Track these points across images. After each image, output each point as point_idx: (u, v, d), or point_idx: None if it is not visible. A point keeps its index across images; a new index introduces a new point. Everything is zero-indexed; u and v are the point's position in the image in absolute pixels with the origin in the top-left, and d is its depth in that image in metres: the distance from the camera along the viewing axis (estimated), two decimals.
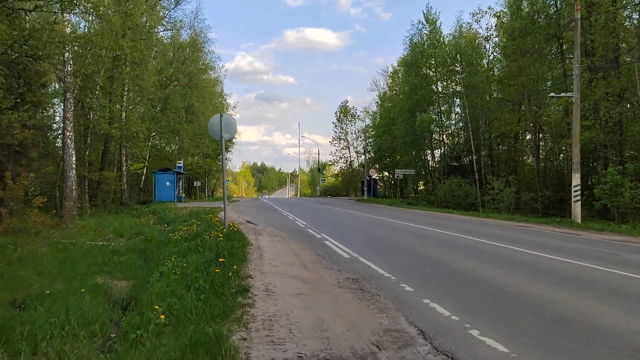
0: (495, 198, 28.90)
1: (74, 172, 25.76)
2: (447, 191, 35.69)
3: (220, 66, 73.88)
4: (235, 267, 7.80)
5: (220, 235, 10.99)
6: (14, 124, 15.52)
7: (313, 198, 67.37)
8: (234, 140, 67.84)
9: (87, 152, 29.15)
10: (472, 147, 40.44)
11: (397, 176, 45.08)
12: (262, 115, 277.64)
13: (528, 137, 44.03)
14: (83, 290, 7.34)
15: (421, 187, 54.82)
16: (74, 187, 25.75)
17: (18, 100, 16.18)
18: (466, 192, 35.25)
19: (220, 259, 7.75)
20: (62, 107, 23.88)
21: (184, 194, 58.99)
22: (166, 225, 23.50)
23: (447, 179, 44.40)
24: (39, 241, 14.62)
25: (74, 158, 25.86)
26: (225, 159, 64.39)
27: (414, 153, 52.51)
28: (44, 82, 17.43)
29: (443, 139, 48.15)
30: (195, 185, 54.99)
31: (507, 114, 39.14)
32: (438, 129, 46.77)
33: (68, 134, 22.77)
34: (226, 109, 65.32)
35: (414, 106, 46.02)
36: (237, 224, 17.81)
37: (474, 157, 40.39)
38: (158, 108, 36.71)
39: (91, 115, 28.85)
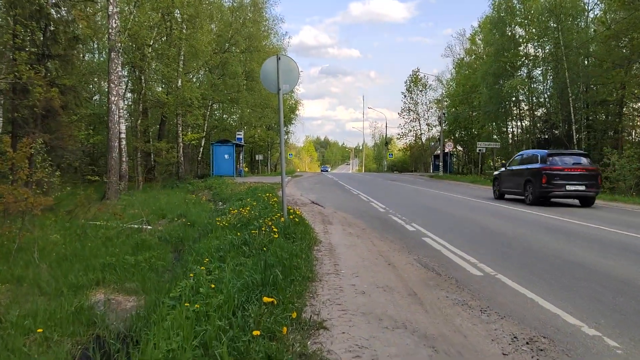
0: (609, 176, 23.78)
1: (119, 142, 23.37)
2: None
3: (284, 33, 70.40)
4: (294, 301, 4.23)
5: (275, 230, 7.43)
6: (36, 82, 12.75)
7: (379, 174, 63.17)
8: (297, 113, 64.79)
9: (138, 121, 26.73)
10: (572, 116, 34.67)
11: (479, 150, 39.97)
12: (326, 89, 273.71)
13: (635, 105, 37.63)
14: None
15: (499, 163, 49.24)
16: (124, 159, 23.43)
17: (39, 54, 13.35)
18: None
19: (266, 298, 4.10)
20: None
21: (244, 168, 56.91)
22: (221, 204, 20.72)
23: None
24: (56, 222, 11.87)
25: (122, 127, 23.45)
26: (287, 132, 61.58)
27: (497, 124, 46.97)
28: (75, 34, 14.47)
29: (533, 106, 42.24)
30: (257, 158, 52.45)
31: (611, 77, 32.89)
32: (529, 96, 40.92)
33: (113, 98, 20.13)
34: None
35: (500, 70, 40.47)
36: (299, 206, 14.32)
37: (574, 128, 34.62)
38: (216, 73, 33.83)
39: (143, 80, 26.29)
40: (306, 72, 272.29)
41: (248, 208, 13.38)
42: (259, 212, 11.77)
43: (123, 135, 23.35)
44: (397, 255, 7.09)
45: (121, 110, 23.44)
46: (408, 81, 71.40)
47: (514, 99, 42.39)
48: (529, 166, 15.60)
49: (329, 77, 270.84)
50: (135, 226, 12.58)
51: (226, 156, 32.79)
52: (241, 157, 40.68)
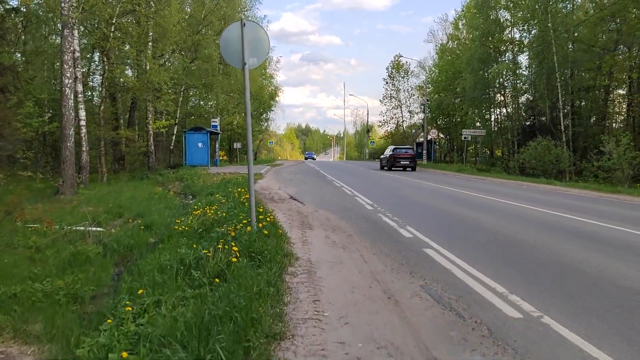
0: (602, 165, 22.55)
1: (79, 130, 21.22)
2: (533, 155, 29.15)
3: (262, 16, 67.74)
4: None
5: (236, 249, 5.62)
6: None
7: (361, 162, 61.65)
8: (277, 99, 62.57)
9: (101, 107, 24.49)
10: (560, 102, 33.42)
11: (465, 138, 38.56)
12: (307, 76, 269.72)
13: (620, 91, 36.69)
14: None
15: (483, 150, 48.08)
16: (84, 149, 21.32)
17: None
18: (557, 156, 28.66)
19: None
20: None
21: (222, 157, 54.68)
22: (190, 197, 18.92)
23: (522, 140, 37.78)
24: None
25: (81, 113, 21.32)
26: (267, 119, 59.23)
27: (480, 111, 45.66)
28: (9, 5, 12.33)
29: (518, 93, 40.94)
30: (235, 147, 50.27)
31: (601, 62, 31.68)
32: (514, 81, 39.57)
33: (66, 81, 17.93)
34: (269, 64, 59.79)
35: (485, 55, 39.04)
36: (275, 203, 12.55)
37: (562, 114, 33.39)
38: (188, 57, 31.57)
39: (105, 62, 24.02)
40: (287, 59, 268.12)
41: (215, 207, 11.60)
42: (226, 213, 10.01)
43: (83, 123, 21.25)
44: (397, 279, 5.39)
45: (80, 95, 21.28)
46: (389, 67, 69.70)
47: (498, 85, 41.07)
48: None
49: (310, 65, 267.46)
50: (82, 228, 10.68)
51: (200, 145, 30.74)
52: (217, 145, 38.59)
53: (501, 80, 40.31)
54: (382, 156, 36.04)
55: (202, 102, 44.95)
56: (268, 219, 7.94)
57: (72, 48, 18.26)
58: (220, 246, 5.53)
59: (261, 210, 8.82)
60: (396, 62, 68.85)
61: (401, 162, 32.22)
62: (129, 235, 9.94)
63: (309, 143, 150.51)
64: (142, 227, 10.40)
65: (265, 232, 6.47)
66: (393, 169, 32.17)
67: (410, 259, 6.41)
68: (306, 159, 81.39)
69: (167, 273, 5.66)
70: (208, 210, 10.52)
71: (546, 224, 9.52)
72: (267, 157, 75.70)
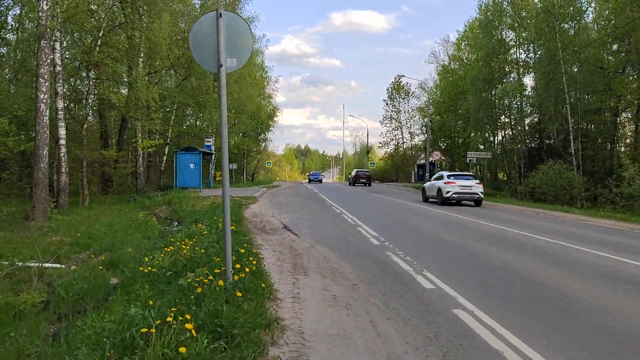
0: (622, 192, 20.89)
1: (58, 150, 19.61)
2: (544, 180, 27.50)
3: (261, 35, 66.70)
4: None
5: (189, 327, 3.85)
6: None
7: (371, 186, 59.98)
8: (275, 119, 61.26)
9: (84, 125, 22.88)
10: (570, 124, 31.93)
11: (470, 160, 36.96)
12: (307, 98, 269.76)
13: (629, 115, 35.31)
14: None
15: (486, 173, 46.50)
16: (63, 170, 19.65)
17: None
18: (569, 181, 27.00)
19: None
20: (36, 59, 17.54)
21: (218, 177, 53.03)
22: (176, 224, 17.23)
23: (528, 163, 36.23)
24: None
25: (61, 131, 19.74)
26: (265, 139, 57.91)
27: (483, 133, 44.22)
28: None
29: (524, 114, 39.53)
30: (230, 168, 48.60)
31: (613, 84, 30.37)
32: (520, 102, 38.19)
33: (42, 96, 16.43)
34: (267, 83, 58.64)
35: (490, 75, 37.75)
36: (266, 234, 10.83)
37: (571, 137, 31.85)
38: (181, 73, 30.16)
39: (89, 77, 22.55)
40: (287, 81, 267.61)
41: (194, 239, 9.88)
42: (205, 249, 8.29)
43: (63, 142, 19.71)
44: None
45: (60, 112, 19.74)
46: (390, 88, 68.81)
47: (503, 106, 39.71)
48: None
49: (310, 87, 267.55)
50: (34, 264, 8.94)
51: (192, 165, 29.05)
52: (211, 166, 36.95)
53: (507, 101, 38.94)
54: (350, 176, 50.09)
55: (198, 122, 43.47)
56: (251, 264, 6.19)
57: (48, 60, 16.75)
58: (170, 319, 3.79)
59: (242, 251, 7.06)
60: (397, 82, 67.95)
61: (361, 180, 47.63)
62: (86, 276, 8.19)
63: (308, 164, 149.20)
64: (101, 266, 8.60)
65: (239, 294, 4.70)
66: (356, 184, 46.90)
67: (439, 328, 4.67)
68: (310, 181, 60.15)
69: (96, 354, 3.93)
70: (183, 246, 8.80)
71: (606, 272, 7.75)
72: (265, 177, 74.12)
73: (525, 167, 37.18)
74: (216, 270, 5.46)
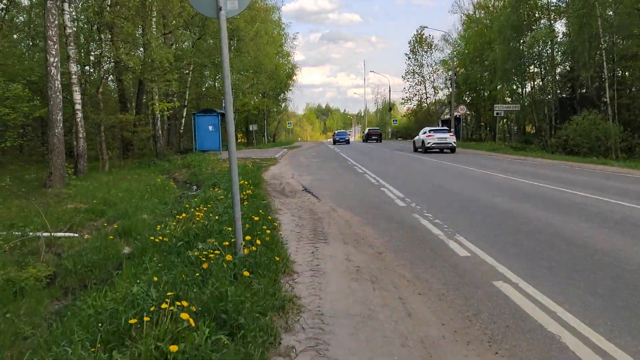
0: None
1: (74, 115, 19.23)
2: (578, 131, 26.13)
3: None
4: None
5: (185, 317, 3.28)
6: None
7: (384, 142, 58.81)
8: (294, 79, 59.90)
9: (100, 89, 22.41)
10: (605, 71, 30.09)
11: (497, 113, 35.50)
12: (327, 56, 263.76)
13: None
14: None
15: (513, 127, 44.79)
16: (81, 135, 19.36)
17: None
18: (605, 132, 25.60)
19: None
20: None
21: (239, 139, 52.56)
22: (195, 188, 16.90)
23: (559, 115, 34.61)
24: None
25: (76, 96, 19.29)
26: (284, 99, 56.94)
27: (510, 85, 42.37)
28: None
29: (555, 62, 37.49)
30: (251, 129, 48.02)
31: None
32: (552, 49, 36.15)
33: (51, 59, 15.87)
34: (285, 41, 57.12)
35: (519, 22, 35.69)
36: (285, 197, 10.26)
37: (607, 84, 30.06)
38: (196, 32, 29.24)
39: (102, 39, 21.89)
40: (306, 38, 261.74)
41: (210, 205, 9.39)
42: (219, 216, 7.77)
43: (78, 107, 19.29)
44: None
45: (74, 76, 19.26)
46: (412, 41, 66.32)
47: (534, 54, 37.69)
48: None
49: (330, 44, 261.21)
50: (46, 234, 8.61)
51: (210, 128, 28.56)
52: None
53: (537, 49, 36.92)
54: (363, 134, 50.08)
55: (217, 84, 42.66)
56: (265, 234, 5.61)
57: (55, 22, 16.09)
58: (165, 305, 3.24)
59: (257, 219, 6.49)
60: (419, 35, 65.46)
61: (372, 137, 53.27)
62: (97, 246, 7.80)
63: (329, 123, 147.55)
64: (113, 236, 8.18)
65: (246, 273, 4.09)
66: (369, 141, 51.61)
67: (480, 305, 4.05)
68: (336, 142, 52.00)
69: (87, 344, 3.45)
70: (197, 213, 8.29)
71: None
72: (287, 138, 73.41)
73: (556, 119, 35.59)
74: (225, 243, 4.90)
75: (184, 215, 8.30)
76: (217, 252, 4.62)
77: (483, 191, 11.24)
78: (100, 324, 3.83)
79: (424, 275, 4.87)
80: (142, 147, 33.39)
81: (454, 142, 27.80)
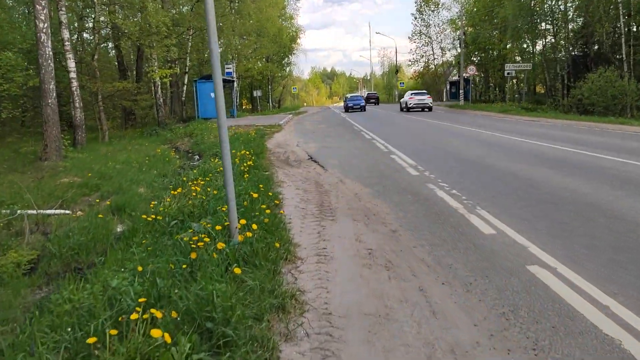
0: None
1: (70, 84, 18.50)
2: (593, 90, 25.03)
3: None
4: None
5: (156, 334, 2.67)
6: None
7: (390, 104, 57.62)
8: (298, 42, 58.15)
9: (95, 56, 21.55)
10: (621, 23, 28.66)
11: (508, 73, 34.25)
12: (332, 18, 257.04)
13: None
14: None
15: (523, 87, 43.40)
16: (77, 105, 18.69)
17: None
18: (622, 90, 24.50)
19: None
20: None
21: (245, 105, 51.60)
22: (197, 158, 16.39)
23: (573, 73, 33.32)
24: None
25: (70, 64, 18.55)
26: (288, 63, 55.56)
27: (520, 43, 40.82)
28: None
29: (568, 18, 35.89)
30: (255, 95, 46.99)
31: None
32: (565, 4, 34.55)
33: (41, 25, 15.05)
34: (287, 3, 55.33)
35: None
36: (289, 167, 9.62)
37: (623, 40, 28.69)
38: None
39: (96, 4, 20.90)
40: (310, 1, 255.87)
41: (208, 178, 8.81)
42: (217, 190, 7.16)
43: (73, 75, 18.55)
44: None
45: (67, 43, 18.44)
46: (419, 1, 63.94)
47: (547, 10, 36.08)
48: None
49: (334, 5, 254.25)
50: (32, 212, 8.09)
51: (212, 94, 27.61)
52: (234, 94, 35.45)
53: (549, 5, 35.30)
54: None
55: (220, 49, 41.39)
56: (264, 214, 4.97)
57: None
58: (135, 315, 2.63)
59: (256, 196, 5.86)
60: None
61: (371, 100, 54.81)
62: (86, 226, 7.23)
63: (335, 88, 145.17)
64: (103, 214, 7.59)
65: (237, 271, 3.44)
66: (368, 103, 47.44)
67: (516, 299, 3.43)
68: (348, 108, 38.24)
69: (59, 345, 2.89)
70: (193, 187, 7.68)
71: None
72: (292, 104, 72.14)
73: (569, 77, 34.32)
74: (217, 227, 4.28)
75: (179, 190, 7.70)
76: (206, 239, 3.98)
77: (500, 157, 10.51)
78: (70, 329, 3.27)
79: (446, 260, 4.25)
80: (144, 117, 32.66)
81: (431, 103, 33.57)
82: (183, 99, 31.61)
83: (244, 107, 51.54)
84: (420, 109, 32.73)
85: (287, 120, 27.43)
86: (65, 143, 15.90)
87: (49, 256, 6.27)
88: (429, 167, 9.15)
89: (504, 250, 4.44)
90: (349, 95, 45.81)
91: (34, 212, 8.13)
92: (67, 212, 8.72)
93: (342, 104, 55.89)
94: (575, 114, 25.65)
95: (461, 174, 8.55)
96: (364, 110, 38.27)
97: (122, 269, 4.61)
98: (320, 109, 57.45)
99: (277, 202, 6.20)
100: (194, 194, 7.32)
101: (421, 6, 64.10)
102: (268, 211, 5.09)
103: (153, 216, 6.51)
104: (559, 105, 30.05)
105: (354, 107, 38.10)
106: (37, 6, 14.88)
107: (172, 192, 7.58)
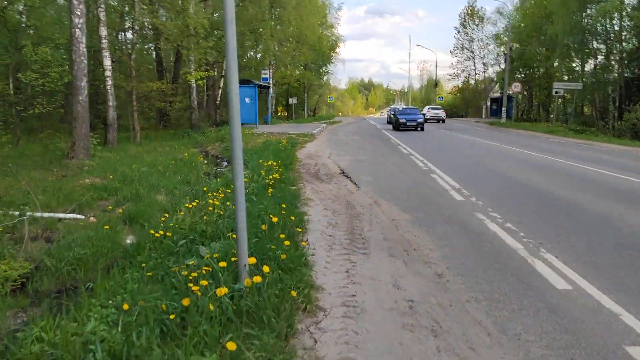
0: None
1: (105, 82, 18.31)
2: None
3: None
4: None
5: None
6: None
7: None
8: (337, 51, 57.49)
9: (132, 55, 21.30)
10: None
11: (556, 92, 32.58)
12: (372, 30, 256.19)
13: None
14: None
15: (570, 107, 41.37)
16: (111, 104, 18.44)
17: None
18: None
19: None
20: None
21: (281, 113, 51.16)
22: (226, 164, 15.79)
23: (625, 96, 31.40)
24: None
25: (106, 61, 18.34)
26: (326, 72, 54.85)
27: (568, 62, 38.96)
28: None
29: (622, 38, 33.97)
30: (291, 102, 46.47)
31: None
32: (621, 22, 32.70)
33: (76, 20, 14.74)
34: (329, 11, 54.81)
35: None
36: (319, 182, 8.75)
37: None
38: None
39: (136, 3, 20.68)
40: (352, 12, 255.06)
41: (229, 190, 8.00)
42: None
43: (108, 73, 18.37)
44: None
45: (104, 41, 18.27)
46: (463, 14, 62.63)
47: (601, 28, 34.25)
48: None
49: (375, 17, 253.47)
50: (43, 215, 7.50)
51: (247, 100, 27.15)
52: (269, 100, 34.95)
53: (603, 23, 33.49)
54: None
55: (258, 55, 41.10)
56: (281, 249, 4.09)
57: None
58: None
59: (275, 220, 4.99)
60: (470, 7, 61.74)
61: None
62: (91, 236, 6.52)
63: (371, 99, 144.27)
64: (106, 226, 6.85)
65: (231, 346, 2.50)
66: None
67: None
68: (399, 125, 28.79)
69: None
70: (210, 201, 6.90)
71: None
72: (328, 113, 71.50)
73: (621, 100, 32.40)
74: (222, 264, 3.42)
75: (195, 203, 6.93)
76: (204, 282, 3.13)
77: (558, 183, 9.35)
78: None
79: (512, 326, 3.27)
80: (179, 118, 32.50)
81: (444, 116, 40.85)
82: (218, 102, 31.29)
83: (279, 113, 51.15)
84: (436, 121, 38.96)
85: (321, 130, 26.66)
86: (94, 142, 15.52)
87: (43, 271, 5.58)
88: (475, 191, 8.12)
89: (587, 317, 3.43)
90: (400, 107, 37.86)
91: (43, 215, 7.54)
92: (80, 216, 8.09)
93: (378, 114, 51.85)
94: (628, 138, 23.98)
95: (514, 202, 7.48)
96: (422, 129, 28.10)
97: (110, 301, 3.84)
98: (355, 119, 56.58)
99: (299, 229, 5.29)
100: (211, 208, 6.54)
101: (465, 20, 62.69)
102: (287, 242, 4.20)
103: (162, 232, 5.75)
104: (609, 129, 28.27)
105: (408, 124, 28.36)
106: (74, 1, 14.59)
107: (187, 205, 6.78)
